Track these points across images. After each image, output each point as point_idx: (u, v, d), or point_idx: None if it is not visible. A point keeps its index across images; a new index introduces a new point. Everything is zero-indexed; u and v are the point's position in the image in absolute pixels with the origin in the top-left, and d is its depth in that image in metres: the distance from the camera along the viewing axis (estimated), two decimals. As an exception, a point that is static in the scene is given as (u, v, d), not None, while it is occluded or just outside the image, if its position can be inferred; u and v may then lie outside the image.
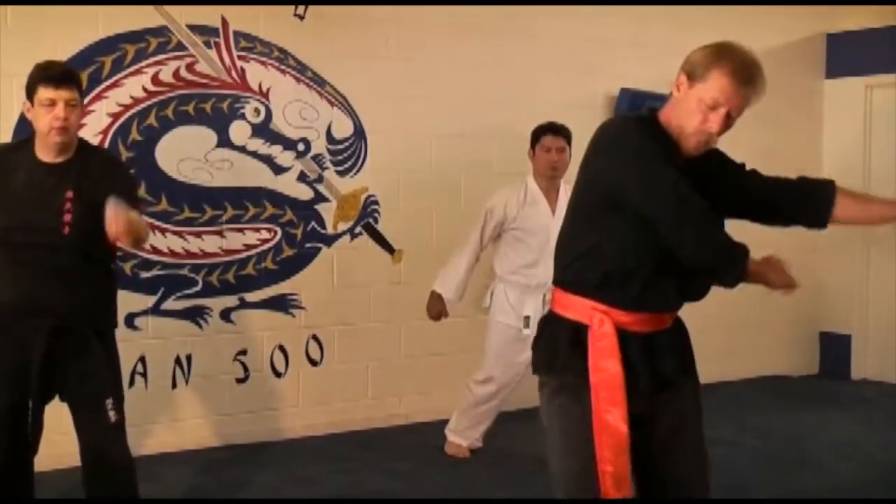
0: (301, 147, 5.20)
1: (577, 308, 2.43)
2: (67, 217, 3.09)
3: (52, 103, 3.05)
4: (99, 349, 3.19)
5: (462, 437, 4.83)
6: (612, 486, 2.40)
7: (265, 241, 5.13)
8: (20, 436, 3.15)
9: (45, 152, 3.14)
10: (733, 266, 2.26)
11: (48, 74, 3.09)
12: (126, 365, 4.67)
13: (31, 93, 3.10)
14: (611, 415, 2.38)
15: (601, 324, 2.39)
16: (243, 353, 5.09)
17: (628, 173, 2.30)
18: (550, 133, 4.61)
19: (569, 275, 2.47)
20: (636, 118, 2.44)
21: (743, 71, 2.26)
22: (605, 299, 2.40)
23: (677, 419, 2.50)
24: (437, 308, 4.70)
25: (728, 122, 2.30)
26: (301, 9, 5.11)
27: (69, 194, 3.11)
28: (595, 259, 2.40)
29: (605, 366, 2.38)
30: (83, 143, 3.30)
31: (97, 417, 3.17)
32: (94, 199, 3.01)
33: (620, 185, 2.31)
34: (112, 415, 3.17)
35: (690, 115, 2.30)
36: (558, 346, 2.46)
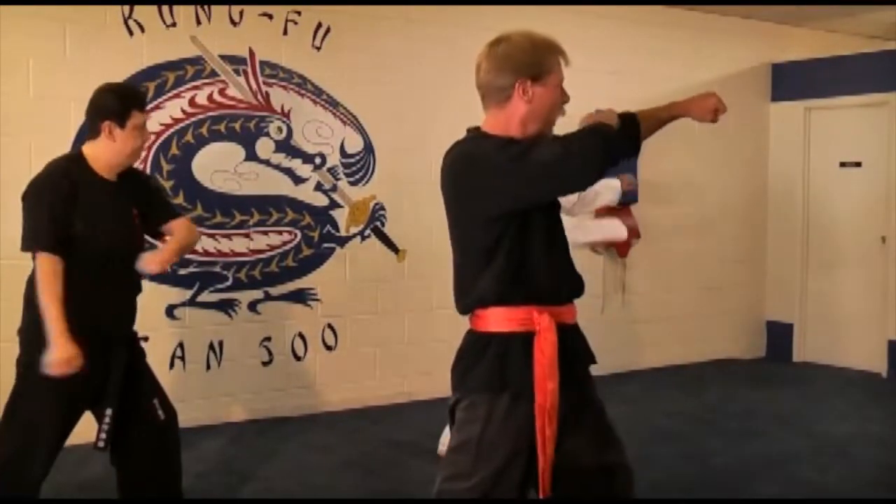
0: (318, 160, 5.21)
1: (514, 318, 2.14)
2: (138, 231, 2.89)
3: (144, 127, 2.81)
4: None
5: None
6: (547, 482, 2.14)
7: (287, 242, 5.14)
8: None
9: (109, 170, 2.79)
10: (622, 140, 2.10)
11: (141, 100, 2.83)
12: (166, 349, 4.77)
13: (123, 116, 2.72)
14: (549, 426, 2.11)
15: (548, 329, 2.11)
16: (268, 339, 5.10)
17: (501, 174, 2.13)
18: None
19: (489, 295, 2.16)
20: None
21: (559, 46, 2.24)
22: (539, 301, 2.14)
23: (580, 409, 2.20)
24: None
25: None
26: (319, 40, 5.16)
27: (135, 210, 2.88)
28: (502, 270, 2.13)
29: (548, 376, 2.10)
30: None
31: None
32: (146, 213, 2.91)
33: (503, 191, 2.11)
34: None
35: (556, 101, 2.23)
36: (508, 360, 2.13)
